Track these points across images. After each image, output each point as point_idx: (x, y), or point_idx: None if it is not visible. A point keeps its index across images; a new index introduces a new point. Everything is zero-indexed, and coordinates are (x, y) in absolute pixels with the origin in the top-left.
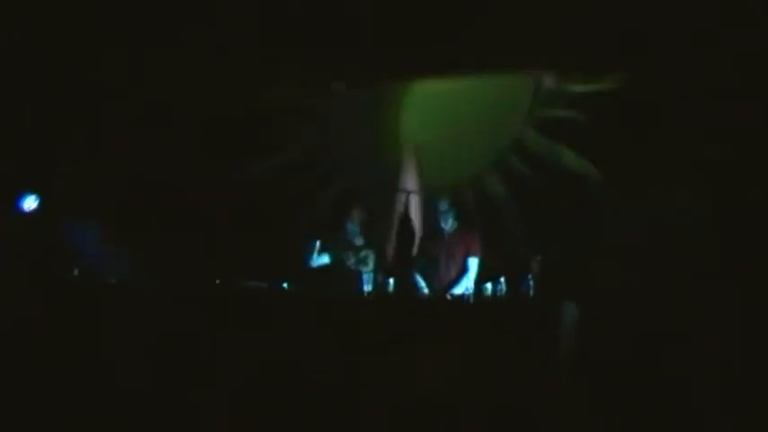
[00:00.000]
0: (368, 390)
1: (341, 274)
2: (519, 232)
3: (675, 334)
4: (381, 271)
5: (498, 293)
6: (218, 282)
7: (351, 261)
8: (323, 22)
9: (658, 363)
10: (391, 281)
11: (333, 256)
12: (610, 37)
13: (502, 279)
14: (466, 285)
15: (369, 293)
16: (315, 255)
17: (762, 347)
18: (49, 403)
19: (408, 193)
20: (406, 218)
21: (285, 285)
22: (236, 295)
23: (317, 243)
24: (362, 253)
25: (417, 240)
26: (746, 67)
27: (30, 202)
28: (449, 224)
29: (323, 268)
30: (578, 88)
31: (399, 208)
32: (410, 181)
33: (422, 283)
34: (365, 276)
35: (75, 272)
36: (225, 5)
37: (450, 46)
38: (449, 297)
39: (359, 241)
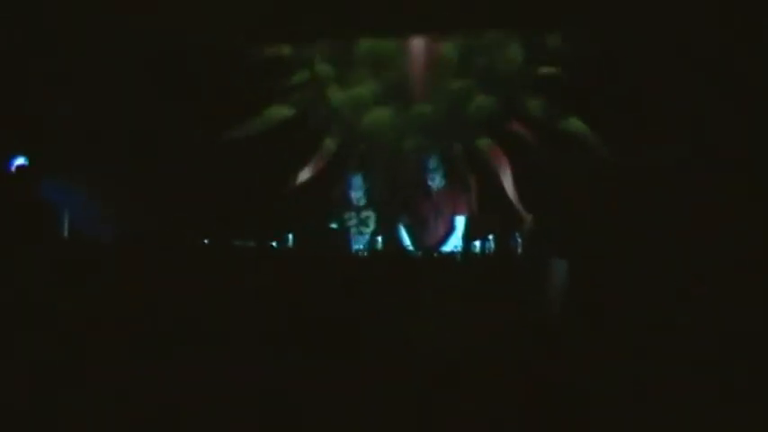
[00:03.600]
0: (357, 349)
1: (330, 233)
2: (509, 190)
3: (667, 291)
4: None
5: (487, 251)
6: (206, 241)
7: (353, 222)
8: None
9: (649, 320)
10: (380, 239)
11: (337, 219)
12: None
13: (491, 237)
14: (454, 243)
15: (358, 252)
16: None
17: (757, 294)
18: (40, 367)
19: (399, 150)
20: (396, 176)
21: (274, 245)
22: (226, 254)
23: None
24: (364, 213)
25: (406, 198)
26: (734, 25)
27: (18, 164)
28: (437, 182)
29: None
30: (570, 47)
31: (391, 166)
32: (401, 139)
33: (407, 241)
34: (357, 236)
35: (65, 233)
36: None
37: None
38: (437, 255)
39: (361, 201)
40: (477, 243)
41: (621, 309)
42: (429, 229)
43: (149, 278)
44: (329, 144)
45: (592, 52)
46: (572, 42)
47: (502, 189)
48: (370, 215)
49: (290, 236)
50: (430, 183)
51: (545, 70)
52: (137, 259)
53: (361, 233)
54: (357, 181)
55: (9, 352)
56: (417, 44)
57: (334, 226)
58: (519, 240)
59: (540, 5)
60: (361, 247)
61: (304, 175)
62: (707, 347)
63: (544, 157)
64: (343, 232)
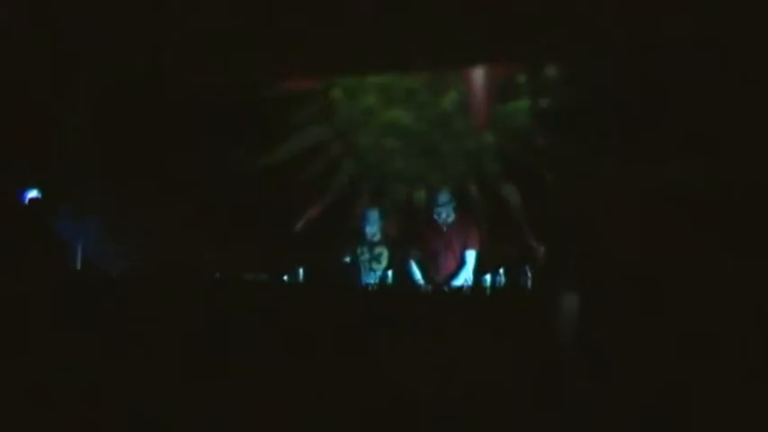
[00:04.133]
0: (366, 381)
1: (341, 267)
2: (521, 223)
3: (678, 325)
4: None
5: (497, 285)
6: (218, 275)
7: (365, 257)
8: (319, 13)
9: (660, 355)
10: (390, 274)
11: (350, 254)
12: (606, 24)
13: (501, 271)
14: (465, 277)
15: (368, 286)
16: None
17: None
18: (51, 398)
19: (410, 184)
20: (407, 210)
21: (285, 278)
22: (237, 288)
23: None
24: (377, 250)
25: (418, 233)
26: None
27: (31, 197)
28: (448, 217)
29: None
30: (577, 77)
31: (401, 200)
32: (412, 172)
33: (417, 275)
34: (368, 272)
35: (79, 265)
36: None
37: (446, 35)
38: (447, 289)
39: (376, 237)
40: (488, 277)
41: (633, 346)
42: (440, 264)
43: (159, 312)
44: (343, 177)
45: (596, 81)
46: (575, 72)
47: (513, 222)
48: (383, 251)
49: (301, 270)
50: (436, 218)
51: (549, 102)
52: (147, 292)
53: (372, 269)
54: (373, 216)
55: (17, 382)
56: (477, 72)
57: (347, 260)
58: (529, 274)
59: (539, 37)
60: (372, 282)
61: (316, 209)
62: (720, 384)
63: (555, 188)
64: (353, 267)
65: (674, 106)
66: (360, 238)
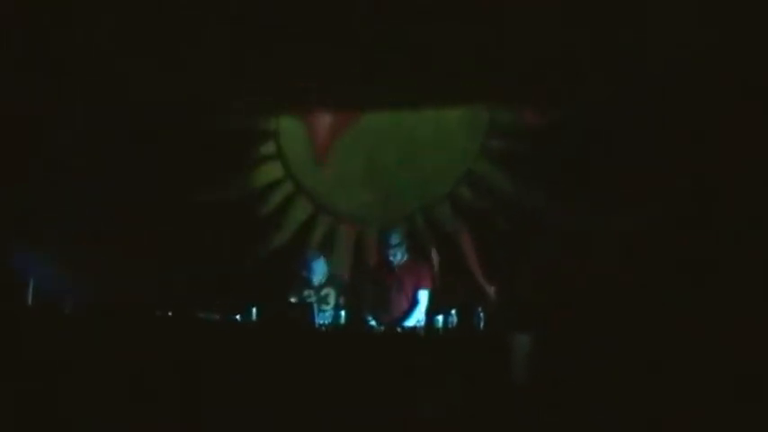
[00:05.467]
0: (318, 424)
1: (293, 307)
2: (471, 264)
3: (629, 364)
4: (339, 306)
5: (449, 325)
6: (171, 313)
7: (312, 299)
8: (279, 50)
9: (612, 395)
10: (343, 313)
11: (296, 296)
12: (560, 69)
13: (453, 311)
14: (417, 317)
15: (321, 326)
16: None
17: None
18: None
19: (361, 224)
20: (358, 250)
21: (237, 317)
22: (190, 326)
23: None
24: (324, 291)
25: (370, 273)
26: (687, 92)
27: None
28: (400, 257)
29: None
30: (531, 120)
31: (353, 240)
32: (363, 212)
33: (370, 316)
34: (320, 312)
35: (29, 299)
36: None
37: (405, 78)
38: (399, 330)
39: (322, 281)
40: (440, 317)
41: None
42: (392, 304)
43: (111, 348)
44: (295, 217)
45: (551, 124)
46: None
47: (464, 262)
48: (329, 292)
49: (254, 309)
50: (391, 258)
51: (503, 142)
52: (99, 329)
53: (321, 310)
54: (319, 266)
55: None
56: None
57: (293, 300)
58: (481, 315)
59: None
60: (324, 322)
61: (268, 248)
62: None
63: (505, 228)
64: (307, 306)
65: (627, 153)
66: (305, 282)
